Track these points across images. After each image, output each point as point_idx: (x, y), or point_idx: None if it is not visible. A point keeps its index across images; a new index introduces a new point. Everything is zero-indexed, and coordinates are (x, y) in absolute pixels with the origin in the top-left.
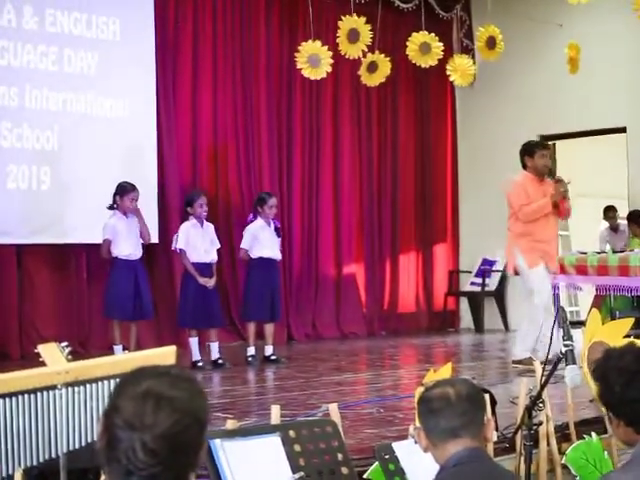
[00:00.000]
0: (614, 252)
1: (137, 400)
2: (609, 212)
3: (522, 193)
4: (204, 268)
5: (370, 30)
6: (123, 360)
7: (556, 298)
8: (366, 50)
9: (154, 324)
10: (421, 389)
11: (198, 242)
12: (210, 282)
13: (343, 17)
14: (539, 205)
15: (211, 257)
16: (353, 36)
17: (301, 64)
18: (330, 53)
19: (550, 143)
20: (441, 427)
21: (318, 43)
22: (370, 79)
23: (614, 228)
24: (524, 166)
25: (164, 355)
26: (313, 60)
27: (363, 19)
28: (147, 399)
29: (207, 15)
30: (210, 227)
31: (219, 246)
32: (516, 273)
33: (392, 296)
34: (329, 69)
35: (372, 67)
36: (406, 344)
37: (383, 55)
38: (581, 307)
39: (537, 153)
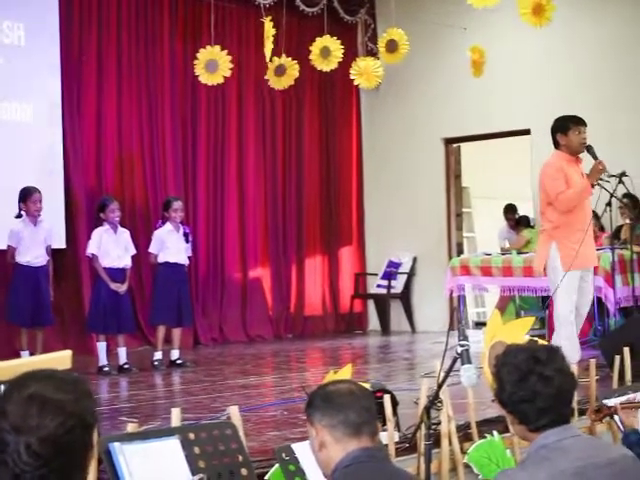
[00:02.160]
0: (518, 253)
1: (22, 404)
2: (508, 213)
3: (560, 178)
4: (116, 273)
5: (273, 35)
6: (18, 365)
7: (461, 300)
8: (270, 54)
9: (61, 330)
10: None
11: (110, 247)
12: (122, 288)
13: (265, 19)
14: (575, 192)
15: (124, 263)
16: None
17: (198, 71)
18: (229, 57)
19: (455, 146)
20: (350, 421)
21: (217, 48)
22: (278, 82)
23: (512, 227)
24: (556, 145)
25: (60, 359)
26: (210, 66)
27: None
28: (32, 402)
29: (112, 21)
30: (125, 233)
31: (134, 252)
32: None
33: (298, 299)
34: (227, 73)
35: (280, 70)
36: (313, 347)
37: (290, 59)
38: (488, 308)
39: (571, 129)
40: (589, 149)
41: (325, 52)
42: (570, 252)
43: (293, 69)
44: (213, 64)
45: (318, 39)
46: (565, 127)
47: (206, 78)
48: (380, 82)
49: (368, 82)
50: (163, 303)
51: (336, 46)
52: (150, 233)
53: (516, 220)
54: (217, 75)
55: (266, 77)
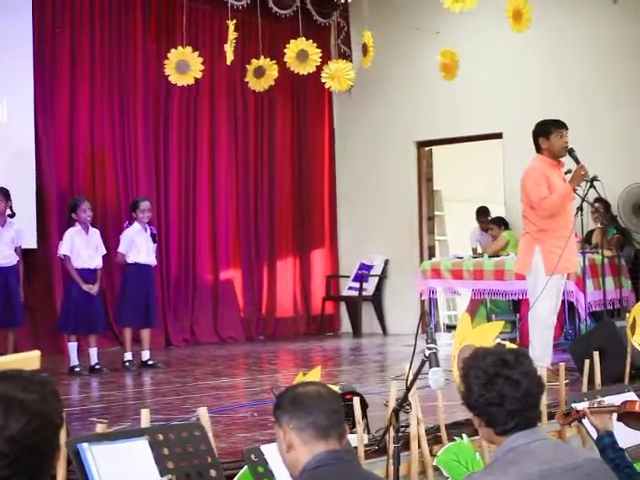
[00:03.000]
0: (490, 256)
1: None
2: (481, 216)
3: (543, 184)
4: (88, 274)
5: (235, 39)
6: None
7: (432, 303)
8: (232, 57)
9: (32, 330)
10: (280, 390)
11: (82, 248)
12: (94, 289)
13: (230, 22)
14: (560, 196)
15: (95, 263)
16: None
17: (169, 70)
18: (200, 59)
19: (426, 149)
20: (318, 424)
21: (188, 49)
22: (257, 84)
23: (484, 229)
24: (538, 149)
25: (28, 360)
26: (181, 66)
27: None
28: None
29: (85, 21)
30: (96, 233)
31: (105, 252)
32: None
33: (270, 301)
34: (198, 75)
35: (259, 72)
36: (284, 348)
37: (269, 59)
38: (459, 311)
39: (553, 133)
40: (571, 152)
41: (302, 55)
42: (554, 256)
43: (272, 69)
44: (184, 65)
45: (293, 42)
46: (547, 131)
47: (176, 78)
48: (352, 85)
49: (339, 85)
50: (132, 304)
51: (313, 50)
52: (121, 233)
53: (493, 221)
54: (188, 76)
55: (246, 79)
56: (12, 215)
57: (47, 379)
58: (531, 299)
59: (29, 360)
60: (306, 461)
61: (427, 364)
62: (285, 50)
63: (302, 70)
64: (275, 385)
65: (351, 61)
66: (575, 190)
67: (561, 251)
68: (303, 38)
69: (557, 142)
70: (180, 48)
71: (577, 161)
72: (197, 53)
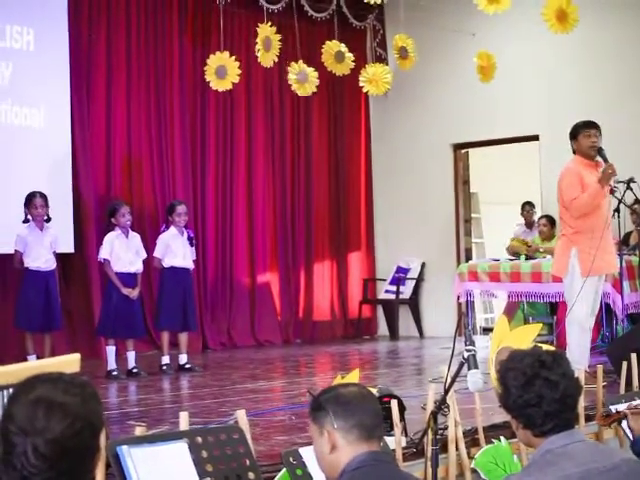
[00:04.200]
0: (527, 258)
1: (29, 406)
2: (526, 206)
3: (576, 184)
4: (128, 278)
5: (279, 40)
6: (26, 368)
7: (469, 305)
8: (276, 60)
9: (70, 333)
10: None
11: (122, 252)
12: (134, 293)
13: (260, 24)
14: (590, 195)
15: (136, 267)
16: (267, 45)
17: (209, 77)
18: (237, 63)
19: (463, 151)
20: (365, 424)
21: (226, 54)
22: (302, 89)
23: (529, 224)
24: (574, 151)
25: (68, 363)
26: (220, 72)
27: (273, 28)
28: (39, 405)
29: (121, 25)
30: (136, 237)
31: (145, 256)
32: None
33: (307, 304)
34: (235, 80)
35: (302, 77)
36: (321, 352)
37: (306, 65)
38: (496, 314)
39: (581, 134)
40: (600, 152)
41: (339, 56)
42: (590, 257)
43: (312, 76)
44: (222, 70)
45: (328, 42)
46: (575, 132)
47: (216, 84)
48: (389, 88)
49: (377, 89)
50: (169, 308)
51: (347, 51)
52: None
53: (548, 219)
54: (226, 81)
55: (289, 81)
56: (48, 220)
57: (87, 382)
58: (568, 301)
59: (69, 363)
60: (346, 462)
61: (465, 366)
62: (322, 51)
63: (339, 71)
64: (314, 389)
65: (387, 64)
66: (613, 192)
67: (596, 246)
68: (337, 41)
69: (584, 142)
70: (218, 53)
71: (606, 160)
72: (234, 58)
